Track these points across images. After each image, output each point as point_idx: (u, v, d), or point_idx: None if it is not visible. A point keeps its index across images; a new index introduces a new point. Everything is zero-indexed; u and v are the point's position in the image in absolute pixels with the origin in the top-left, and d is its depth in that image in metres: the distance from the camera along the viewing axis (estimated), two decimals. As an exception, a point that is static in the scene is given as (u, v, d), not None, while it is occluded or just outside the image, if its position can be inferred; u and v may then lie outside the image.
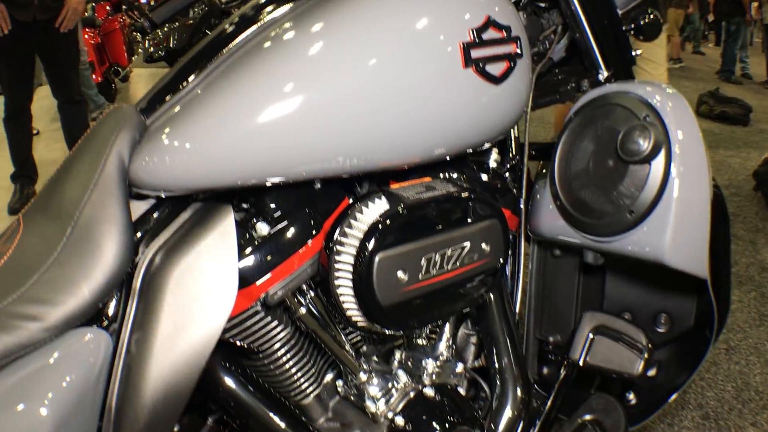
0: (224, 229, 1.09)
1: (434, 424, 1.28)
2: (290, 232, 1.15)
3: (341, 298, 1.12)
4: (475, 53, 1.16)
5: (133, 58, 9.15)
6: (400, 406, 1.30)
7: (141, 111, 1.11)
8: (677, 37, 10.76)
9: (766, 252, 3.50)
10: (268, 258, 1.12)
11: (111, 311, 1.07)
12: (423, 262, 1.14)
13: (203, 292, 1.05)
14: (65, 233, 1.01)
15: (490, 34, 1.19)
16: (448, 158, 1.27)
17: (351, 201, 1.23)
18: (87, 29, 7.56)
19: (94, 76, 7.41)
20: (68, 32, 4.58)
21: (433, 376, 1.37)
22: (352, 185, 1.30)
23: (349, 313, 1.14)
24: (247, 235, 1.13)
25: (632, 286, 1.59)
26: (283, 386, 1.29)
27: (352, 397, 1.32)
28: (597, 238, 1.35)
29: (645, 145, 1.23)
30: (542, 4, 1.57)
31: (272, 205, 1.16)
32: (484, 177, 1.44)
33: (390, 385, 1.31)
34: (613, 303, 1.60)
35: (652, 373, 1.56)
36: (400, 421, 1.28)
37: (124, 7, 8.52)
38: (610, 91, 1.35)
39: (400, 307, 1.14)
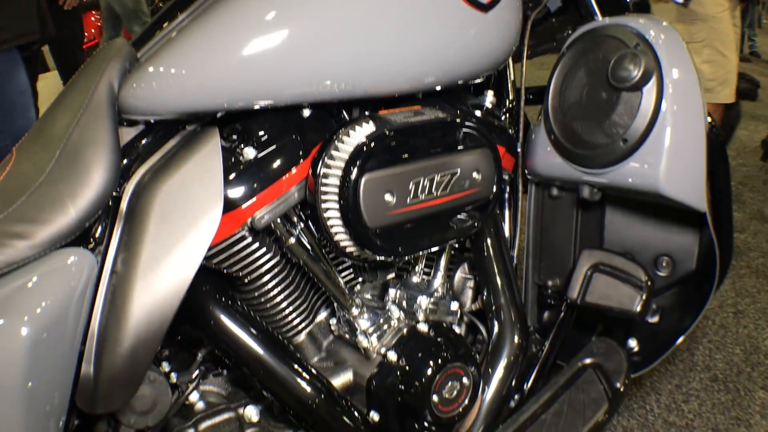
0: (210, 151, 1.09)
1: (427, 359, 1.27)
2: (277, 157, 1.14)
3: (329, 222, 1.11)
4: (462, -23, 1.16)
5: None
6: (393, 342, 1.30)
7: (133, 44, 1.13)
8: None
9: (773, 218, 3.49)
10: (254, 182, 1.12)
11: (98, 234, 1.06)
12: (411, 186, 1.14)
13: (188, 213, 1.04)
14: (54, 156, 1.02)
15: (477, -41, 1.19)
16: (439, 89, 1.26)
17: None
18: (93, 12, 7.56)
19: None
20: (72, 10, 4.53)
21: (428, 313, 1.36)
22: (342, 114, 1.28)
23: (337, 237, 1.13)
24: (234, 159, 1.13)
25: (632, 229, 1.58)
26: (274, 321, 1.28)
27: (345, 335, 1.31)
28: (592, 170, 1.34)
29: (635, 71, 1.23)
30: None
31: (259, 131, 1.16)
32: (479, 113, 1.42)
33: (382, 320, 1.30)
34: (613, 246, 1.59)
35: (654, 320, 1.55)
36: (392, 356, 1.28)
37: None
38: (602, 24, 1.36)
39: (388, 230, 1.13)
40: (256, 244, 1.17)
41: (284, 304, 1.27)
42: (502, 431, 1.36)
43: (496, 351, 1.43)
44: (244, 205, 1.10)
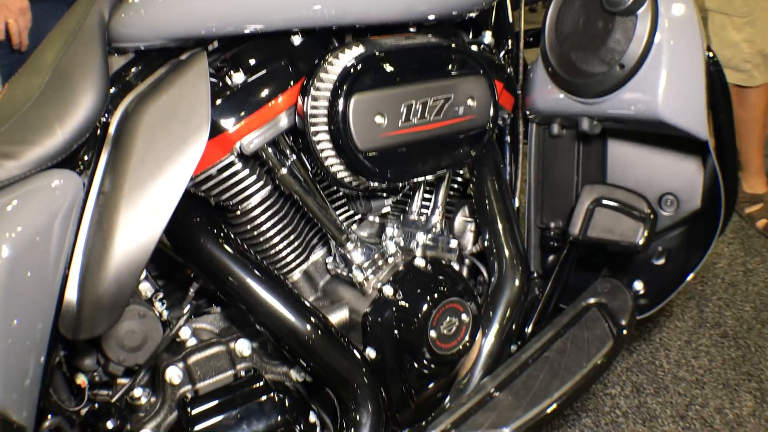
0: (197, 75, 1.08)
1: (424, 294, 1.26)
2: (266, 82, 1.13)
3: (319, 146, 1.10)
4: None
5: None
6: (389, 277, 1.28)
7: None
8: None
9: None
10: (242, 106, 1.10)
11: (87, 159, 1.06)
12: (402, 108, 1.12)
13: (174, 136, 1.03)
14: (43, 82, 1.04)
15: None
16: (432, 18, 1.23)
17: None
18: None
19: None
20: None
21: (425, 249, 1.33)
22: (333, 43, 1.26)
23: (328, 162, 1.12)
24: (222, 85, 1.12)
25: (635, 168, 1.56)
26: (268, 256, 1.27)
27: (340, 271, 1.29)
28: (590, 100, 1.32)
29: None
30: None
31: (249, 57, 1.14)
32: (475, 48, 1.39)
33: (378, 255, 1.29)
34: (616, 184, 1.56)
35: (660, 261, 1.53)
36: (388, 291, 1.27)
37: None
38: None
39: (380, 154, 1.11)
40: (246, 171, 1.15)
41: (278, 239, 1.25)
42: (504, 369, 1.33)
43: (497, 292, 1.41)
44: (232, 130, 1.09)
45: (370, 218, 1.42)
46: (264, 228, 1.23)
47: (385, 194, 1.36)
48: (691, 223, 1.54)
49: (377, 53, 1.10)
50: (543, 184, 1.64)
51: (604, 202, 1.43)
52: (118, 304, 1.01)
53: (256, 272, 1.15)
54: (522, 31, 1.51)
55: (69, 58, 1.05)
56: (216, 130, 1.07)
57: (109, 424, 1.13)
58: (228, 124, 1.08)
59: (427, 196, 1.40)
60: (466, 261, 1.51)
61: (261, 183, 1.18)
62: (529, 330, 1.48)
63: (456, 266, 1.40)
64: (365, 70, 1.08)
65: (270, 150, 1.14)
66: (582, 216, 1.44)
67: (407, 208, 1.39)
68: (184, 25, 1.07)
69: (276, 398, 1.19)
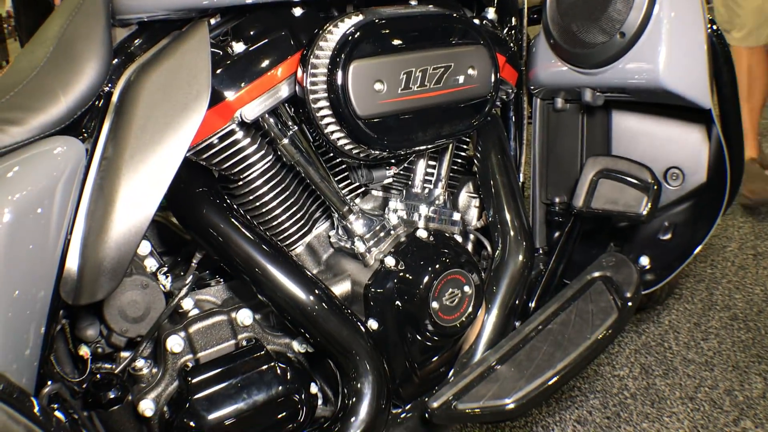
0: (197, 44, 1.10)
1: (426, 264, 1.27)
2: (266, 51, 1.14)
3: (319, 114, 1.12)
4: None
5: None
6: (391, 248, 1.30)
7: None
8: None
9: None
10: (242, 75, 1.12)
11: (90, 126, 1.09)
12: (402, 76, 1.14)
13: (175, 104, 1.05)
14: (48, 52, 1.07)
15: None
16: None
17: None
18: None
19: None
20: None
21: (428, 221, 1.35)
22: (334, 14, 1.27)
23: (328, 130, 1.13)
24: (222, 54, 1.13)
25: (639, 141, 1.57)
26: (271, 228, 1.29)
27: (343, 243, 1.31)
28: (592, 70, 1.33)
29: None
30: None
31: (249, 28, 1.16)
32: (478, 22, 1.40)
33: (380, 227, 1.31)
34: None
35: (666, 237, 1.53)
36: (390, 262, 1.28)
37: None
38: None
39: (380, 121, 1.13)
40: (247, 140, 1.17)
41: (280, 210, 1.27)
42: (507, 342, 1.34)
43: (501, 266, 1.43)
44: (232, 98, 1.11)
45: (374, 192, 1.43)
46: (266, 199, 1.24)
47: (386, 164, 1.37)
48: (698, 197, 1.54)
49: (376, 21, 1.12)
50: (548, 159, 1.65)
51: (608, 173, 1.44)
52: (119, 268, 1.02)
53: (259, 244, 1.17)
54: (525, 7, 1.53)
55: (73, 29, 1.08)
56: (217, 99, 1.09)
57: (111, 395, 1.15)
58: (228, 92, 1.10)
59: (430, 169, 1.42)
60: (471, 236, 1.52)
61: (262, 153, 1.20)
62: (533, 304, 1.49)
63: (459, 239, 1.41)
64: (364, 37, 1.09)
65: (271, 120, 1.16)
66: (586, 188, 1.45)
67: (410, 181, 1.41)
68: None
69: (277, 368, 1.20)
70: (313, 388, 1.25)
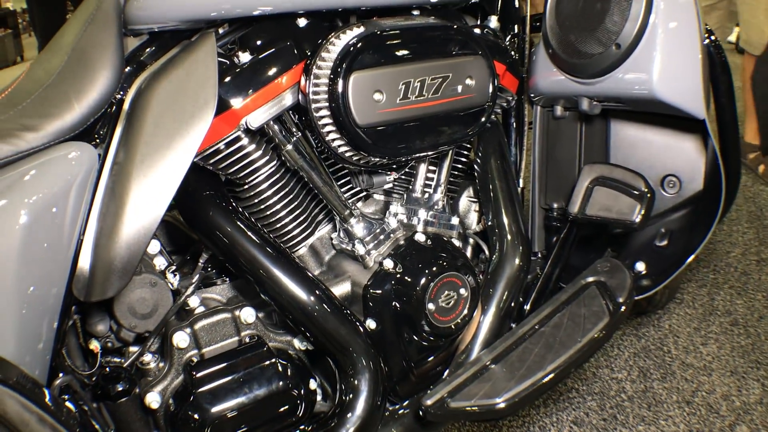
0: (205, 55, 1.16)
1: (423, 267, 1.33)
2: (271, 61, 1.21)
3: (320, 122, 1.18)
4: None
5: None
6: (390, 251, 1.36)
7: None
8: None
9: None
10: (248, 84, 1.19)
11: (102, 133, 1.16)
12: (401, 86, 1.20)
13: (183, 111, 1.12)
14: (63, 60, 1.16)
15: None
16: (435, 1, 1.30)
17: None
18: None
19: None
20: None
21: (426, 225, 1.42)
22: (338, 25, 1.33)
23: (329, 137, 1.20)
24: (229, 63, 1.20)
25: (637, 149, 1.63)
26: (275, 230, 1.36)
27: (344, 245, 1.37)
28: (589, 80, 1.39)
29: None
30: None
31: (255, 38, 1.23)
32: (478, 32, 1.46)
33: (380, 230, 1.37)
34: None
35: (663, 243, 1.59)
36: (388, 264, 1.34)
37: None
38: None
39: (379, 130, 1.20)
40: (252, 146, 1.24)
41: (284, 213, 1.34)
42: (501, 343, 1.40)
43: (498, 270, 1.49)
44: (238, 106, 1.18)
45: (376, 196, 1.50)
46: (270, 202, 1.31)
47: (387, 170, 1.43)
48: (694, 205, 1.60)
49: (377, 32, 1.18)
50: (547, 165, 1.71)
51: (603, 180, 1.50)
52: (129, 267, 1.09)
53: (262, 245, 1.24)
54: (528, 15, 1.58)
55: (87, 39, 1.16)
56: (223, 107, 1.16)
57: (119, 387, 1.21)
58: (235, 100, 1.17)
59: (430, 174, 1.48)
60: (470, 240, 1.58)
61: (267, 158, 1.26)
62: (528, 307, 1.56)
63: (457, 243, 1.48)
64: (364, 48, 1.16)
65: (276, 127, 1.23)
66: (582, 195, 1.51)
67: (411, 186, 1.47)
68: (195, 8, 1.15)
69: (278, 365, 1.27)
70: (313, 384, 1.32)
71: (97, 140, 1.15)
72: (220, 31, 1.24)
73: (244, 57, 1.19)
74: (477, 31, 1.47)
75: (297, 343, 1.36)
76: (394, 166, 1.40)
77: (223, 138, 1.20)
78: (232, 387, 1.24)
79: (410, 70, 1.20)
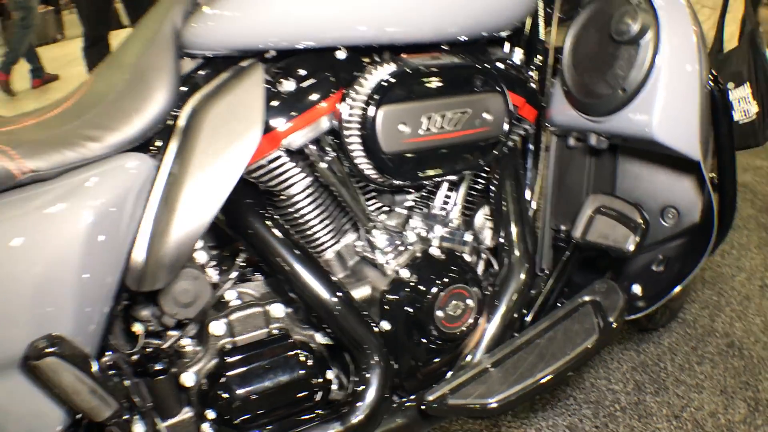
0: (254, 82, 1.34)
1: (435, 278, 1.52)
2: (311, 90, 1.39)
3: (350, 147, 1.37)
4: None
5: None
6: (406, 261, 1.55)
7: None
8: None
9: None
10: (290, 109, 1.37)
11: (159, 145, 1.33)
12: (423, 119, 1.39)
13: (233, 131, 1.30)
14: (124, 78, 1.32)
15: None
16: (464, 39, 1.48)
17: (367, 68, 1.46)
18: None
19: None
20: None
21: (441, 240, 1.60)
22: (373, 58, 1.51)
23: (358, 161, 1.38)
24: (275, 90, 1.38)
25: (642, 180, 1.80)
26: (305, 236, 1.54)
27: (366, 254, 1.56)
28: (596, 118, 1.56)
29: (634, 26, 1.46)
30: None
31: (299, 68, 1.40)
32: (502, 66, 1.63)
33: (399, 242, 1.56)
34: (624, 195, 1.82)
35: (660, 269, 1.76)
36: (404, 273, 1.53)
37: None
38: None
39: (402, 157, 1.38)
40: (291, 164, 1.42)
41: (314, 222, 1.52)
42: (500, 350, 1.58)
43: (504, 284, 1.67)
44: (281, 129, 1.36)
45: (397, 210, 1.67)
46: (303, 212, 1.49)
47: (407, 190, 1.61)
48: (690, 236, 1.76)
49: (405, 71, 1.37)
50: (558, 190, 1.89)
51: (604, 210, 1.68)
52: (177, 264, 1.27)
53: (294, 249, 1.43)
54: (552, 48, 1.76)
55: (147, 60, 1.33)
56: (268, 128, 1.34)
57: (158, 366, 1.40)
58: (278, 124, 1.35)
59: (448, 194, 1.66)
60: (483, 255, 1.77)
61: (303, 174, 1.45)
62: (529, 319, 1.74)
63: (469, 258, 1.66)
64: (393, 85, 1.35)
65: (313, 147, 1.41)
66: (584, 221, 1.69)
67: (430, 203, 1.66)
68: (245, 39, 1.33)
69: (301, 355, 1.47)
70: (330, 375, 1.51)
71: (153, 151, 1.32)
72: (266, 55, 1.42)
73: (288, 85, 1.37)
74: (500, 65, 1.62)
75: (318, 338, 1.55)
76: (415, 187, 1.58)
77: (267, 155, 1.37)
78: (259, 372, 1.44)
79: (433, 105, 1.38)
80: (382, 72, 1.37)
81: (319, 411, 1.51)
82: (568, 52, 1.65)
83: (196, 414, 1.47)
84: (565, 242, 1.86)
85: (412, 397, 1.60)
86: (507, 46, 1.74)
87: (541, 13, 1.77)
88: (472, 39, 1.51)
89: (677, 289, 1.76)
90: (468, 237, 1.65)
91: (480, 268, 1.76)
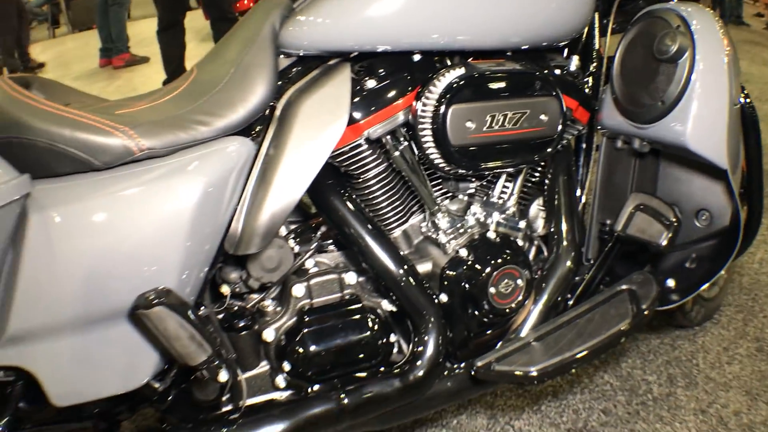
0: (342, 79, 1.58)
1: (489, 258, 1.75)
2: (391, 88, 1.62)
3: (423, 140, 1.61)
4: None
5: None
6: (465, 242, 1.77)
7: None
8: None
9: None
10: (372, 104, 1.60)
11: (258, 130, 1.55)
12: (488, 118, 1.61)
13: (322, 121, 1.53)
14: (230, 72, 1.55)
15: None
16: (525, 48, 1.71)
17: (439, 71, 1.69)
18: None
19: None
20: None
21: (498, 226, 1.82)
22: (444, 62, 1.74)
23: (428, 152, 1.62)
24: (359, 87, 1.61)
25: (680, 183, 2.02)
26: (378, 215, 1.76)
27: (430, 234, 1.79)
28: (639, 125, 1.79)
29: (672, 47, 1.69)
30: None
31: (380, 68, 1.64)
32: (558, 72, 1.85)
33: (460, 225, 1.78)
34: (663, 195, 2.04)
35: (692, 266, 1.97)
36: (463, 253, 1.76)
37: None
38: (657, 7, 1.82)
39: (468, 150, 1.61)
40: (369, 152, 1.65)
41: (386, 203, 1.74)
42: (544, 327, 1.80)
43: (551, 269, 1.89)
44: (363, 121, 1.59)
45: (460, 196, 1.88)
46: (377, 194, 1.72)
47: (470, 179, 1.83)
48: (720, 238, 1.96)
49: (473, 75, 1.60)
50: (605, 186, 2.10)
51: (644, 207, 1.90)
52: (270, 233, 1.46)
53: (367, 225, 1.64)
54: (605, 57, 1.98)
55: (249, 57, 1.55)
56: (352, 120, 1.57)
57: (242, 323, 1.64)
58: (360, 116, 1.58)
59: (506, 184, 1.88)
60: (536, 242, 1.98)
61: (379, 161, 1.67)
62: (571, 302, 1.96)
63: (521, 243, 1.87)
64: (462, 87, 1.57)
65: (389, 138, 1.64)
66: (625, 217, 1.91)
67: (490, 192, 1.88)
68: (334, 42, 1.55)
69: (369, 319, 1.69)
70: (392, 338, 1.73)
71: (254, 136, 1.51)
72: (351, 54, 1.64)
73: (370, 83, 1.60)
74: (557, 71, 1.84)
75: (385, 305, 1.76)
76: (476, 176, 1.81)
77: (349, 143, 1.60)
78: (332, 331, 1.65)
79: (496, 105, 1.61)
80: (453, 75, 1.59)
81: (381, 369, 1.73)
82: (617, 64, 1.88)
83: (272, 367, 1.69)
84: (609, 235, 2.06)
85: (462, 365, 1.81)
86: (565, 53, 1.96)
87: (596, 24, 1.99)
88: (533, 48, 1.74)
89: (705, 285, 1.97)
90: (522, 224, 1.87)
91: (531, 254, 1.97)
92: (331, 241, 1.83)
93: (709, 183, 1.96)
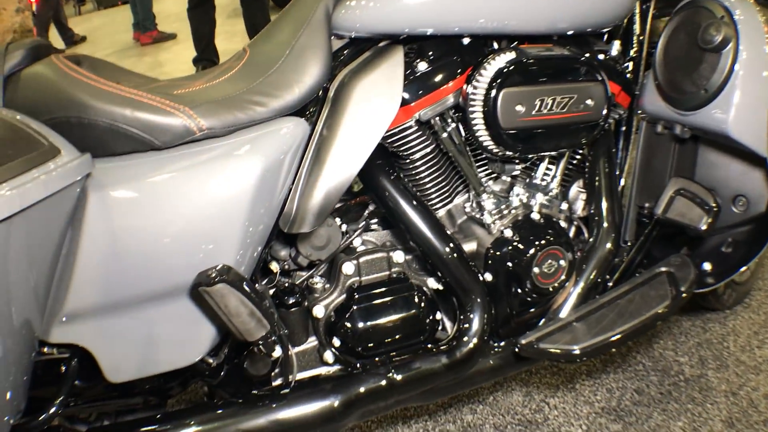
0: (395, 62, 1.63)
1: (534, 239, 1.81)
2: (441, 71, 1.68)
3: (473, 122, 1.66)
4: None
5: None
6: (510, 223, 1.84)
7: None
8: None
9: None
10: (423, 87, 1.66)
11: (313, 110, 1.61)
12: (537, 101, 1.67)
13: (375, 102, 1.59)
14: (285, 53, 1.59)
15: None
16: (571, 33, 1.76)
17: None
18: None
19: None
20: None
21: (541, 207, 1.88)
22: (492, 45, 1.79)
23: (478, 134, 1.68)
24: (411, 70, 1.67)
25: (718, 169, 2.07)
26: (424, 194, 1.82)
27: (474, 214, 1.85)
28: (681, 111, 1.84)
29: (717, 37, 1.74)
30: None
31: (431, 51, 1.69)
32: (602, 57, 1.89)
33: (504, 206, 1.84)
34: (702, 180, 2.10)
35: (729, 250, 2.03)
36: (508, 233, 1.82)
37: None
38: None
39: (517, 132, 1.67)
40: (419, 133, 1.71)
41: (432, 183, 1.80)
42: (585, 307, 1.87)
43: (592, 251, 1.94)
44: (414, 103, 1.65)
45: (504, 178, 1.95)
46: (425, 174, 1.78)
47: (516, 161, 1.89)
48: (757, 224, 2.02)
49: (523, 60, 1.65)
50: (645, 170, 2.15)
51: (684, 192, 1.96)
52: (324, 211, 1.52)
53: (414, 204, 1.70)
54: (646, 43, 2.03)
55: (304, 39, 1.58)
56: (403, 102, 1.63)
57: (292, 300, 1.70)
58: (412, 98, 1.64)
59: (550, 167, 1.93)
60: (575, 223, 2.03)
61: (427, 142, 1.73)
62: (611, 284, 2.02)
63: (564, 224, 1.93)
64: (513, 71, 1.63)
65: (437, 119, 1.70)
66: (666, 200, 1.97)
67: (533, 174, 1.93)
68: (385, 25, 1.58)
69: (415, 296, 1.76)
70: (438, 315, 1.80)
71: (308, 117, 1.56)
72: (401, 37, 1.67)
73: (422, 65, 1.65)
74: (601, 56, 1.88)
75: (431, 283, 1.83)
76: (521, 158, 1.87)
77: (400, 125, 1.66)
78: (380, 308, 1.73)
79: (545, 90, 1.66)
80: (504, 59, 1.65)
81: (427, 345, 1.80)
82: (660, 50, 1.93)
83: (321, 343, 1.76)
84: (648, 218, 2.12)
85: (503, 343, 1.88)
86: (605, 38, 2.01)
87: (637, 9, 2.03)
88: (578, 33, 1.79)
89: (742, 269, 2.02)
90: (564, 206, 1.93)
91: (571, 234, 2.03)
92: (376, 219, 1.90)
93: (747, 169, 2.02)
